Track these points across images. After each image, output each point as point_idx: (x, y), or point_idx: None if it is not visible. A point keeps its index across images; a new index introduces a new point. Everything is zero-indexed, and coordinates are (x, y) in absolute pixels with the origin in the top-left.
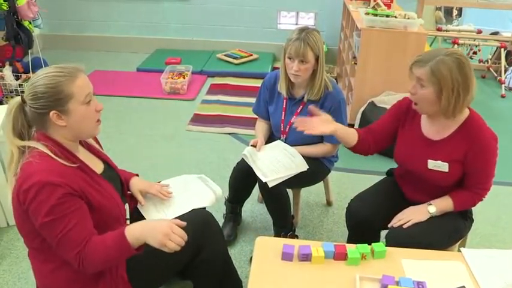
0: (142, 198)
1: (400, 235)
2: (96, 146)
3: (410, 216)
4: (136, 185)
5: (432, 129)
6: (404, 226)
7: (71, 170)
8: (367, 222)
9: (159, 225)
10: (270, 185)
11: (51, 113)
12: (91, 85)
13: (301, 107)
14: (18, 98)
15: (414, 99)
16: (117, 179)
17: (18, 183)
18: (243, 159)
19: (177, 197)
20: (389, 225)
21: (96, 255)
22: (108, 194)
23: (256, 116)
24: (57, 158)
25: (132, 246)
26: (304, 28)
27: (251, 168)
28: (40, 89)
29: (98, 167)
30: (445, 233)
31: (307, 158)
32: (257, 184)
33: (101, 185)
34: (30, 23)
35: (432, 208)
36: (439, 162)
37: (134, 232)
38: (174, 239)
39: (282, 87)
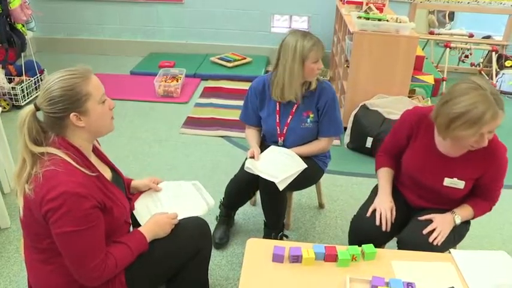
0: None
1: (418, 240)
2: (103, 151)
3: (441, 228)
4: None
5: (448, 145)
6: (436, 242)
7: (91, 179)
8: (371, 240)
9: (162, 221)
10: (281, 187)
11: (71, 115)
12: (102, 84)
13: (295, 106)
14: (30, 106)
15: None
16: (122, 184)
17: (42, 190)
18: (241, 170)
19: (170, 204)
20: (429, 240)
21: (122, 258)
22: (119, 201)
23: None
24: (79, 167)
25: (147, 245)
26: (304, 32)
27: (251, 178)
28: (57, 93)
29: (107, 173)
30: (452, 237)
31: (302, 159)
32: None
33: (113, 192)
34: (23, 25)
35: (458, 219)
36: (455, 179)
37: (149, 233)
38: (174, 224)
39: (296, 96)
